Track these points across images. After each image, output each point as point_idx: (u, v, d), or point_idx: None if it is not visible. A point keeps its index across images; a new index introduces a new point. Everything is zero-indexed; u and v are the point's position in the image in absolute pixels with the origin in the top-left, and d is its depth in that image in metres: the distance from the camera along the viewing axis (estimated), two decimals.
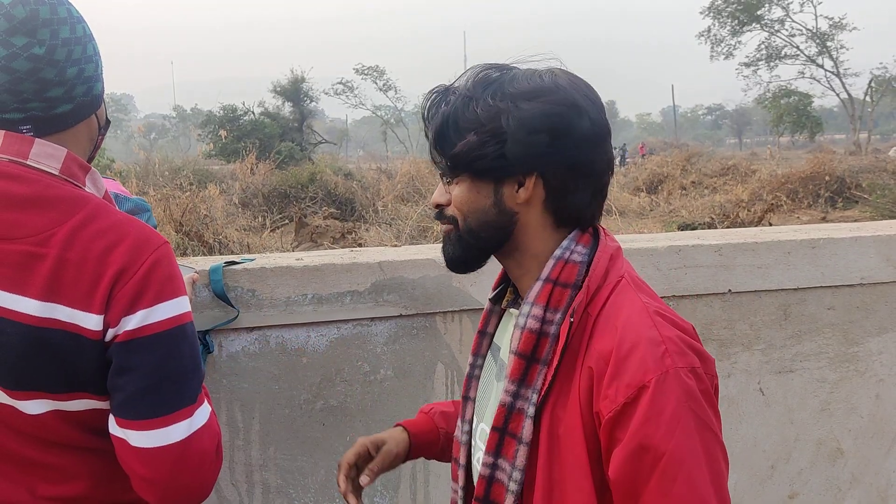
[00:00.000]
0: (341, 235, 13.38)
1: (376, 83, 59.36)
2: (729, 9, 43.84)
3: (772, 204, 17.69)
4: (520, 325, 1.29)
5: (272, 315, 2.06)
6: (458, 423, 1.51)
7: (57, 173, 1.35)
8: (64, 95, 1.35)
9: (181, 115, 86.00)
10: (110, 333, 1.30)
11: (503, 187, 1.30)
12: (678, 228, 15.75)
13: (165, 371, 1.33)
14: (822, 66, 44.75)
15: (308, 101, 43.94)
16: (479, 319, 1.50)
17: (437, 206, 1.38)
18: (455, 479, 1.49)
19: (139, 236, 1.34)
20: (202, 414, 1.37)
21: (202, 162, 26.78)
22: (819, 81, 45.09)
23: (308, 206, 20.00)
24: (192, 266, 1.93)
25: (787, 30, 44.49)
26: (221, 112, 38.01)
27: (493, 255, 1.38)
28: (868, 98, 44.91)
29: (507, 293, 1.46)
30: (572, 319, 1.25)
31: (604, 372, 1.19)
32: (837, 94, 45.35)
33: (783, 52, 45.33)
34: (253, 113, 38.38)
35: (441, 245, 1.40)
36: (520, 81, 1.29)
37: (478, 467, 1.37)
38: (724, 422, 2.40)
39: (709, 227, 15.44)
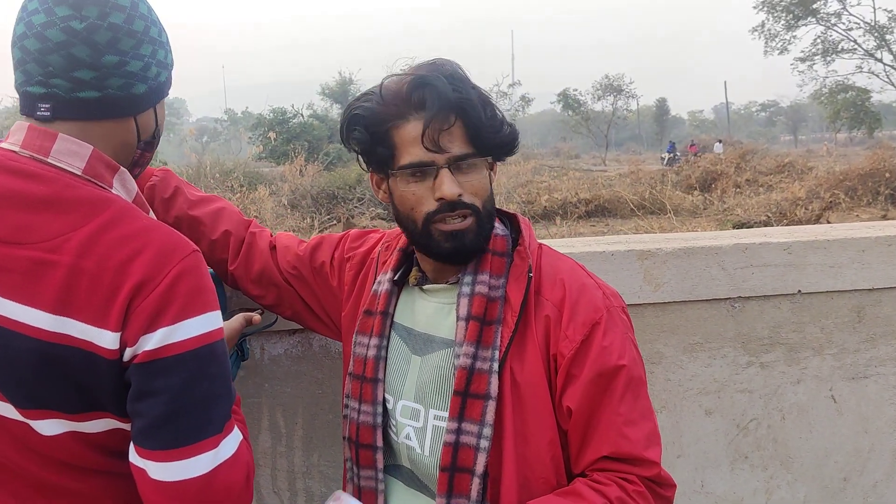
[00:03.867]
0: None
1: None
2: (783, 3, 42.89)
3: (830, 202, 17.24)
4: (466, 293, 1.41)
5: None
6: (361, 406, 1.50)
7: (80, 173, 1.23)
8: (93, 80, 1.22)
9: (232, 119, 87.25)
10: (128, 353, 1.17)
11: (489, 170, 1.45)
12: (733, 227, 15.41)
13: (190, 396, 1.19)
14: (880, 61, 43.51)
15: None
16: (374, 301, 1.53)
17: (459, 196, 1.39)
18: (371, 463, 1.49)
19: (165, 244, 1.21)
20: (230, 444, 1.24)
21: (252, 164, 27.09)
22: (878, 76, 43.82)
23: (355, 206, 20.07)
24: None
25: (843, 23, 43.37)
26: (271, 115, 38.39)
27: None
28: None
29: (413, 272, 1.53)
30: (531, 275, 1.40)
31: (560, 317, 1.37)
32: None
33: (840, 47, 44.16)
34: (302, 115, 38.72)
35: (452, 240, 1.40)
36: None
37: (407, 443, 1.46)
38: (793, 430, 2.29)
39: (765, 226, 15.07)
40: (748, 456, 2.26)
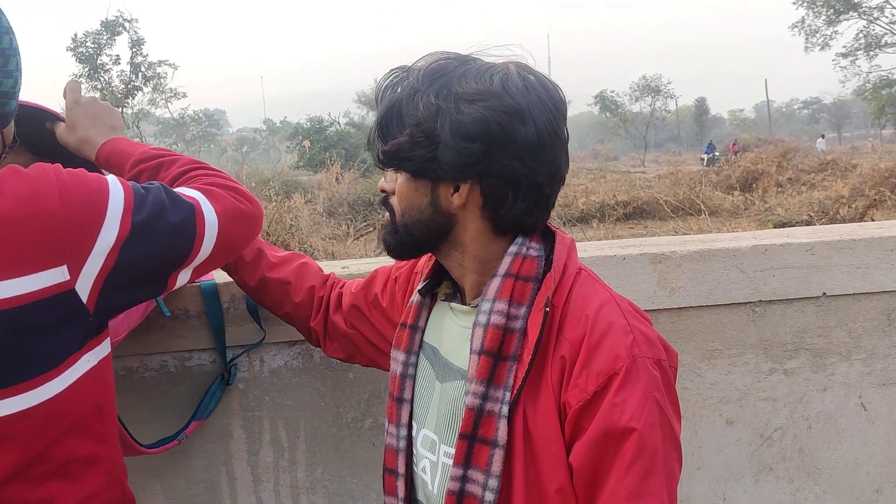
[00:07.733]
0: None
1: None
2: None
3: (874, 199, 16.81)
4: (482, 322, 1.24)
5: None
6: (391, 428, 1.41)
7: None
8: None
9: (271, 129, 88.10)
10: None
11: (439, 188, 1.26)
12: (774, 227, 15.10)
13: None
14: None
15: None
16: (405, 313, 1.42)
17: (383, 191, 1.34)
18: (392, 490, 1.39)
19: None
20: None
21: (290, 173, 27.27)
22: None
23: None
24: None
25: (886, 17, 42.39)
26: (308, 124, 38.70)
27: (431, 251, 1.35)
28: None
29: (443, 286, 1.42)
30: (547, 309, 1.21)
31: (575, 360, 1.18)
32: None
33: (883, 41, 43.16)
34: (338, 123, 38.97)
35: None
36: (468, 80, 1.22)
37: (423, 476, 1.35)
38: (819, 440, 2.17)
39: (807, 225, 14.73)
40: (773, 467, 2.16)
